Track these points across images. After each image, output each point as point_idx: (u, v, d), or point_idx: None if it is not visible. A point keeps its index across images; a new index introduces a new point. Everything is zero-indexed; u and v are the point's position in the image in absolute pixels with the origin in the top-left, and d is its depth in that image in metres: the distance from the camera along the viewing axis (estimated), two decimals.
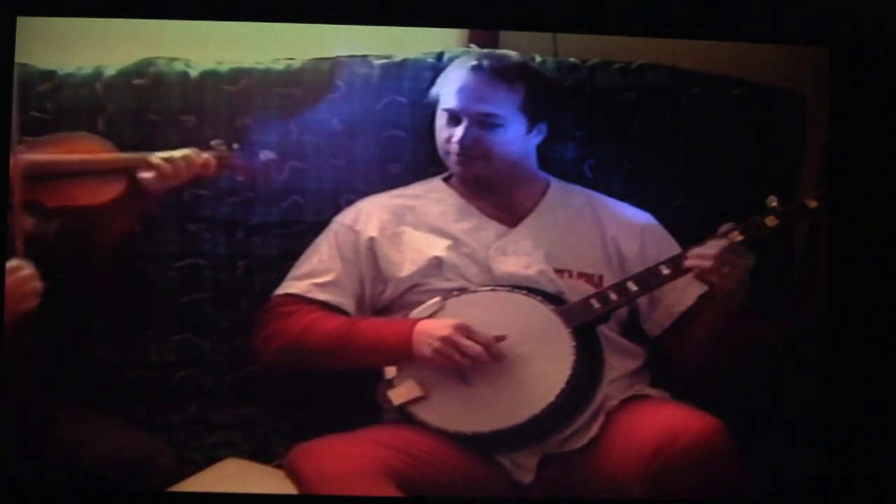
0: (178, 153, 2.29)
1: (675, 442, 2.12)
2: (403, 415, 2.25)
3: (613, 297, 2.29)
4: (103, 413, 2.32)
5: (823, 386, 2.39)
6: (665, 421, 2.18)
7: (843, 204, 2.34)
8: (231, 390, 2.45)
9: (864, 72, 2.35)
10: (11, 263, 2.13)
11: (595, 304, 2.29)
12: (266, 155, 2.40)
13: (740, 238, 2.26)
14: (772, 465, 2.30)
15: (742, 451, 2.16)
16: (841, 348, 2.35)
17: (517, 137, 2.36)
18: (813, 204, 2.31)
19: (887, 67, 2.35)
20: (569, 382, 2.22)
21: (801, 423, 2.42)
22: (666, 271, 2.29)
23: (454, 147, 2.34)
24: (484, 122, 2.33)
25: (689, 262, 2.26)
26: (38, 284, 2.13)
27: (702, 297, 2.33)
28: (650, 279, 2.29)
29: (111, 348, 2.41)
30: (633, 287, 2.29)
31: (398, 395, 2.26)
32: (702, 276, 2.25)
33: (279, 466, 2.31)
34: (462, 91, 2.33)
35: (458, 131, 2.33)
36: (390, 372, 2.28)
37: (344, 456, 2.17)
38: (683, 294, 2.36)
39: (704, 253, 2.24)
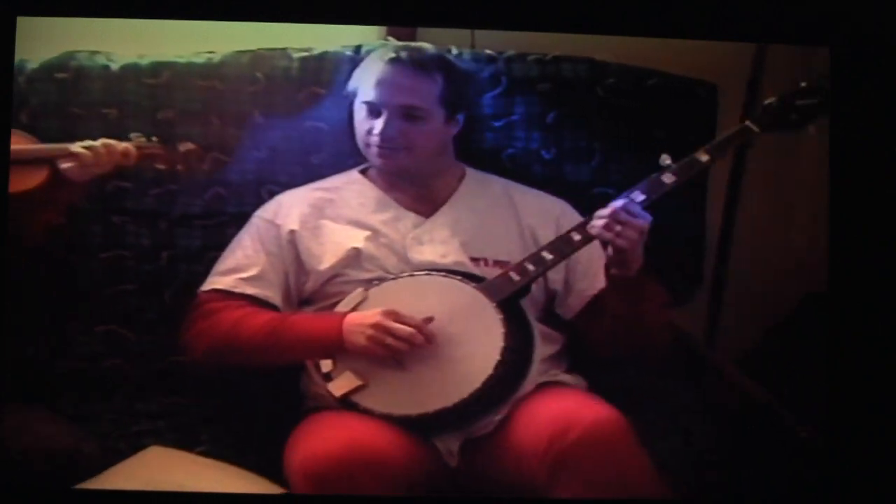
0: (98, 142, 2.31)
1: (568, 434, 2.14)
2: (346, 405, 2.27)
3: (531, 267, 2.31)
4: (28, 405, 2.33)
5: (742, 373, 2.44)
6: (561, 411, 2.20)
7: (843, 204, 2.36)
8: (156, 380, 2.47)
9: (864, 72, 2.36)
10: None
11: (514, 276, 2.31)
12: (185, 146, 2.41)
13: (642, 197, 2.28)
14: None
15: (643, 441, 2.19)
16: (841, 348, 2.36)
17: (437, 128, 2.39)
18: (704, 157, 2.34)
19: (887, 67, 2.36)
20: (503, 354, 2.24)
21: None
22: (577, 237, 2.30)
23: (375, 139, 2.36)
24: (405, 115, 2.35)
25: (588, 225, 2.29)
26: None
27: (611, 281, 2.35)
28: (563, 246, 2.31)
29: (36, 340, 2.43)
30: (548, 255, 2.31)
31: (338, 388, 2.27)
32: (599, 235, 2.26)
33: (203, 454, 2.35)
34: (381, 84, 2.35)
35: (379, 124, 2.35)
36: (326, 366, 2.29)
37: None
38: (595, 279, 2.39)
39: (600, 213, 2.26)
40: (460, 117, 2.42)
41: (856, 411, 2.34)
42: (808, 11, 2.36)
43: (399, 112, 2.34)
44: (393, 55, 2.35)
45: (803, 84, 2.35)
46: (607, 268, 2.30)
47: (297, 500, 2.20)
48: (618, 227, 2.23)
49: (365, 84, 2.37)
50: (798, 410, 2.40)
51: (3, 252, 2.25)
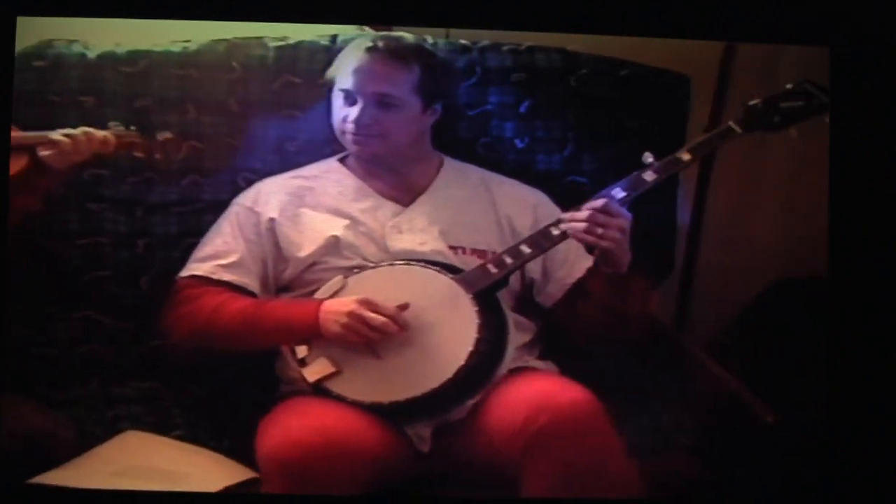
0: (77, 130, 2.32)
1: (541, 415, 2.15)
2: (319, 390, 2.28)
3: (509, 260, 2.32)
4: (5, 390, 2.34)
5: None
6: (534, 394, 2.21)
7: (843, 204, 2.37)
8: (132, 365, 2.49)
9: (864, 71, 2.36)
10: None
11: (492, 268, 2.32)
12: (163, 135, 2.43)
13: (622, 195, 2.29)
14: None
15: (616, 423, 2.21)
16: (842, 349, 2.37)
17: (413, 117, 2.41)
18: (686, 157, 2.36)
19: (887, 67, 2.36)
20: (476, 346, 2.25)
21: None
22: (556, 232, 2.31)
23: (350, 127, 2.38)
24: (380, 102, 2.37)
25: (563, 225, 2.30)
26: None
27: (591, 270, 2.38)
28: (542, 240, 2.32)
29: (14, 325, 2.42)
30: (526, 249, 2.33)
31: (312, 373, 2.29)
32: (578, 237, 2.28)
33: (178, 437, 2.37)
34: (358, 72, 2.37)
35: (354, 111, 2.37)
36: (301, 351, 2.31)
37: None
38: (574, 267, 2.42)
39: (577, 215, 2.27)
40: (438, 107, 2.44)
41: (833, 400, 2.37)
42: (808, 11, 2.37)
43: (374, 100, 2.36)
44: (370, 44, 2.37)
45: (788, 86, 2.37)
46: (598, 266, 2.33)
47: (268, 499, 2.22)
48: (599, 230, 2.25)
49: (342, 72, 2.40)
50: (765, 396, 2.42)
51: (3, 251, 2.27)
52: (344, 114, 2.39)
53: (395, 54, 2.37)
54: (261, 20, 2.48)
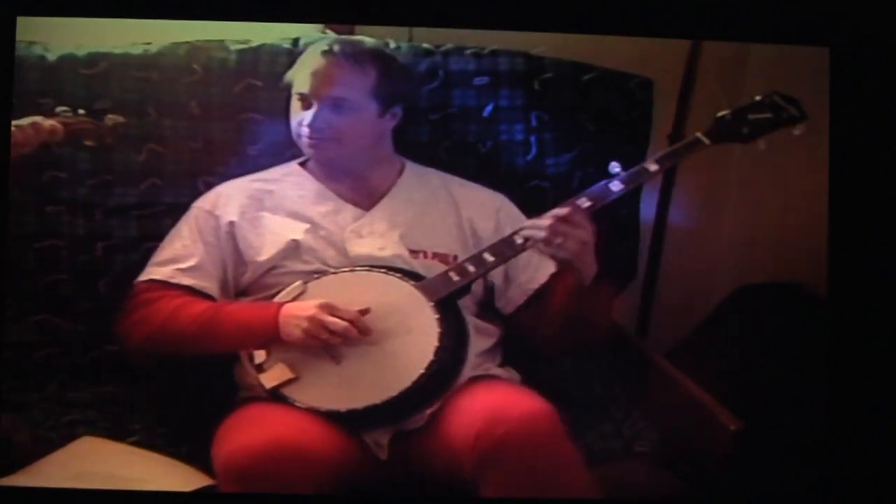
0: (25, 121, 2.29)
1: (496, 428, 2.12)
2: (276, 397, 2.26)
3: (471, 268, 2.31)
4: None
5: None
6: (491, 405, 2.19)
7: (843, 204, 2.36)
8: (89, 369, 2.47)
9: (864, 72, 2.36)
10: None
11: (454, 276, 2.31)
12: (113, 118, 2.40)
13: (588, 204, 2.28)
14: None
15: (575, 432, 2.20)
16: (842, 350, 2.36)
17: (369, 121, 2.40)
18: (653, 168, 2.35)
19: (887, 67, 2.36)
20: (436, 354, 2.24)
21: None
22: (519, 240, 2.30)
23: (305, 130, 2.37)
24: (335, 106, 2.36)
25: (524, 233, 2.28)
26: None
27: (554, 276, 2.37)
28: (505, 249, 2.31)
29: None
30: (489, 257, 2.31)
31: (269, 379, 2.27)
32: (538, 247, 2.26)
33: (135, 443, 2.35)
34: (313, 75, 2.36)
35: (309, 115, 2.36)
36: (260, 356, 2.29)
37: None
38: (537, 272, 2.41)
39: (538, 224, 2.25)
40: (397, 110, 2.43)
41: (798, 405, 2.39)
42: (808, 11, 2.36)
43: (328, 103, 2.35)
44: (326, 48, 2.37)
45: (757, 98, 2.36)
46: (560, 275, 2.32)
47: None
48: (559, 239, 2.23)
49: (299, 76, 2.38)
50: (728, 403, 2.41)
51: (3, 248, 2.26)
52: (300, 118, 2.38)
53: (351, 58, 2.36)
54: (225, 19, 2.46)
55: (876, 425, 2.33)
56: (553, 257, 2.28)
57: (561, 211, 2.25)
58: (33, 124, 2.28)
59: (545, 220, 2.24)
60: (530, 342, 2.43)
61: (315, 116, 2.36)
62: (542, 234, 2.24)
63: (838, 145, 2.34)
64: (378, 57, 2.40)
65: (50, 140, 2.31)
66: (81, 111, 2.36)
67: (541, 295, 2.41)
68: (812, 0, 2.37)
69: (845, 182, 2.35)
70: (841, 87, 2.35)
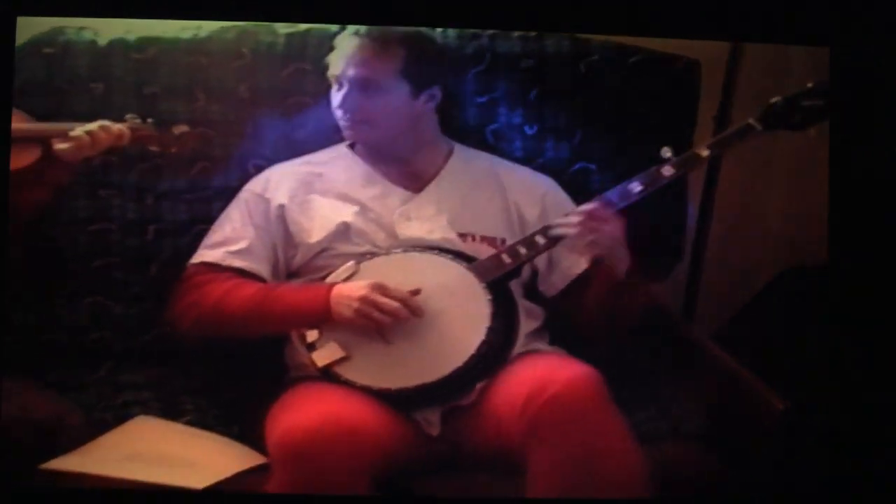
0: (94, 124, 2.32)
1: (542, 393, 2.15)
2: (327, 376, 2.29)
3: (523, 251, 2.34)
4: (14, 375, 2.34)
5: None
6: (537, 373, 2.21)
7: (843, 204, 2.37)
8: (142, 351, 2.50)
9: (864, 72, 2.37)
10: None
11: (506, 258, 2.33)
12: (180, 129, 2.43)
13: (639, 188, 2.31)
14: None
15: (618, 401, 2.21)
16: (842, 353, 2.38)
17: (401, 103, 2.40)
18: (704, 153, 2.37)
19: (887, 67, 2.37)
20: (488, 335, 2.27)
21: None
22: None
23: (338, 112, 2.40)
24: (361, 87, 2.37)
25: (556, 231, 2.31)
26: None
27: (595, 262, 2.38)
28: (556, 233, 2.33)
29: (23, 311, 2.45)
30: (541, 240, 2.34)
31: (321, 358, 2.30)
32: (571, 244, 2.31)
33: (188, 423, 2.38)
34: (343, 58, 2.38)
35: (339, 96, 2.39)
36: (311, 336, 2.31)
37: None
38: (579, 258, 2.41)
39: (568, 221, 2.30)
40: (434, 92, 2.43)
41: (841, 387, 2.38)
42: (809, 11, 2.37)
43: (356, 85, 2.37)
44: (356, 30, 2.39)
45: (809, 85, 2.36)
46: (594, 269, 2.35)
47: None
48: (590, 236, 2.27)
49: (333, 59, 2.41)
50: (773, 384, 2.42)
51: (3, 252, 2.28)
52: (335, 101, 2.41)
53: (378, 39, 2.37)
54: (226, 19, 2.50)
55: None
56: (586, 253, 2.32)
57: (590, 207, 2.29)
58: (102, 128, 2.31)
59: (575, 217, 2.29)
60: (571, 325, 2.45)
61: (344, 98, 2.38)
62: (573, 231, 2.28)
63: (838, 145, 2.35)
64: (407, 38, 2.40)
65: (116, 145, 2.34)
66: (150, 120, 2.38)
67: (581, 281, 2.43)
68: (812, 0, 2.38)
69: (845, 182, 2.36)
70: (841, 87, 2.35)
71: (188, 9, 2.40)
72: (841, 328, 2.37)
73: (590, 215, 2.28)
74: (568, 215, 2.32)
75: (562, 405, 2.15)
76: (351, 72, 2.36)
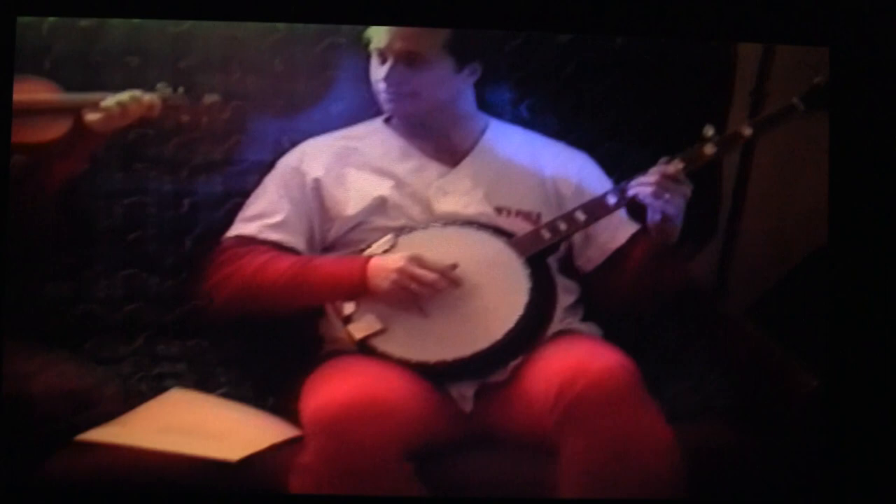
0: (124, 95, 2.34)
1: (575, 384, 2.19)
2: (364, 348, 2.31)
3: (563, 226, 2.36)
4: (51, 346, 2.37)
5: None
6: (570, 361, 2.24)
7: (844, 204, 2.40)
8: (177, 323, 2.49)
9: (864, 72, 2.38)
10: None
11: (545, 234, 2.36)
12: (210, 98, 2.44)
13: (681, 165, 2.33)
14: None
15: (653, 388, 2.25)
16: (841, 358, 2.41)
17: (445, 77, 2.41)
18: (747, 132, 2.38)
19: (887, 67, 2.38)
20: (526, 309, 2.29)
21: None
22: (612, 200, 2.36)
23: (381, 86, 2.40)
24: (408, 61, 2.38)
25: (632, 191, 2.33)
26: None
27: (634, 236, 2.40)
28: (597, 209, 2.37)
29: (60, 284, 2.45)
30: (581, 216, 2.36)
31: (358, 330, 2.32)
32: (650, 203, 2.31)
33: (223, 396, 2.40)
34: (388, 31, 2.38)
35: (384, 70, 2.38)
36: (348, 308, 2.33)
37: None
38: (617, 232, 2.43)
39: (646, 180, 2.31)
40: (475, 67, 2.44)
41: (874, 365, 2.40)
42: (808, 11, 2.38)
43: (402, 58, 2.37)
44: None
45: None
46: (649, 234, 2.35)
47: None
48: (667, 195, 2.28)
49: (376, 33, 2.41)
50: (804, 360, 2.41)
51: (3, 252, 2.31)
52: (376, 74, 2.40)
53: None
54: (227, 19, 2.49)
55: None
56: (659, 210, 2.31)
57: (667, 168, 2.30)
58: (133, 98, 2.32)
59: (652, 177, 2.30)
60: (607, 300, 2.45)
61: (390, 71, 2.38)
62: (649, 189, 2.29)
63: (838, 145, 2.38)
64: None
65: (147, 115, 2.36)
66: (181, 89, 2.39)
67: (618, 255, 2.43)
68: (812, 0, 2.39)
69: (845, 182, 2.39)
70: (841, 87, 2.37)
71: (189, 9, 2.42)
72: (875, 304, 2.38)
73: (668, 175, 2.29)
74: (643, 176, 2.32)
75: (595, 396, 2.19)
76: (397, 45, 2.36)
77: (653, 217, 2.33)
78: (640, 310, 2.46)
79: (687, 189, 2.30)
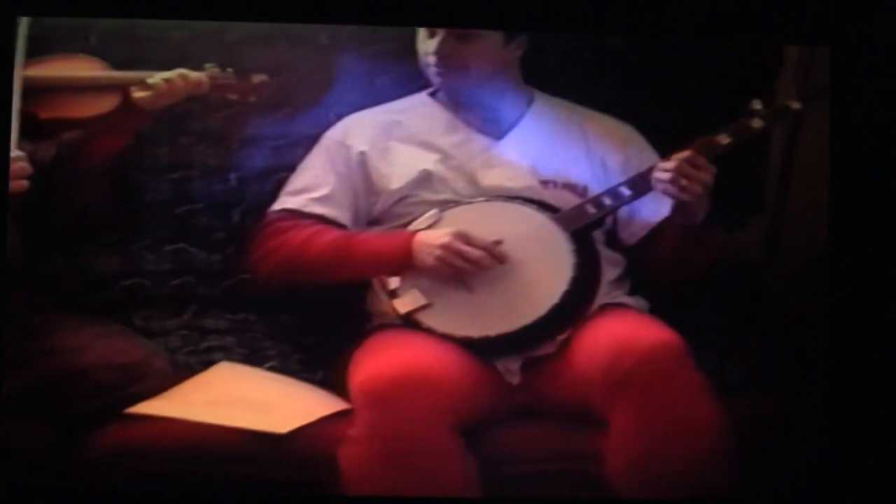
0: (174, 73, 2.35)
1: (623, 360, 2.21)
2: (409, 323, 2.33)
3: (608, 201, 2.37)
4: (100, 319, 2.39)
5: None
6: (618, 336, 2.25)
7: (844, 203, 2.39)
8: (225, 297, 2.51)
9: (864, 72, 2.38)
10: None
11: (590, 208, 2.37)
12: (259, 77, 2.44)
13: (727, 140, 2.33)
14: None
15: (700, 361, 2.25)
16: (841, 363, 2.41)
17: (494, 50, 2.41)
18: (796, 106, 2.38)
19: (887, 67, 2.38)
20: (571, 284, 2.30)
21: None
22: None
23: (432, 59, 2.40)
24: (458, 34, 2.38)
25: (651, 176, 2.34)
26: (25, 165, 2.23)
27: (674, 226, 2.39)
28: (642, 183, 2.37)
29: (108, 258, 2.47)
30: (625, 191, 2.37)
31: (403, 304, 2.33)
32: (664, 189, 2.32)
33: (271, 369, 2.41)
34: None
35: (434, 43, 2.38)
36: (393, 282, 2.35)
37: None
38: (660, 205, 2.42)
39: (664, 166, 2.31)
40: (522, 40, 2.43)
41: None
42: (808, 11, 2.38)
43: (453, 31, 2.37)
44: None
45: None
46: (672, 215, 2.36)
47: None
48: (683, 182, 2.29)
49: None
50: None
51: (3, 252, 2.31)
52: (426, 47, 2.41)
53: None
54: (228, 19, 2.48)
55: None
56: (674, 198, 2.32)
57: (686, 154, 2.30)
58: (181, 76, 2.33)
59: (671, 163, 2.30)
60: (650, 273, 2.46)
61: (440, 44, 2.38)
62: (667, 175, 2.30)
63: (838, 145, 2.38)
64: None
65: (195, 93, 2.36)
66: (230, 69, 2.40)
67: (660, 229, 2.43)
68: (812, 0, 2.37)
69: (846, 181, 2.39)
70: (841, 87, 2.37)
71: (190, 9, 2.41)
72: None
73: (686, 162, 2.29)
74: (662, 162, 2.32)
75: (643, 372, 2.20)
76: None
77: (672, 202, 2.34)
78: (681, 282, 2.44)
79: (707, 175, 2.30)
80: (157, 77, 2.35)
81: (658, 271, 2.43)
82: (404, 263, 2.32)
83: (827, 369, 2.39)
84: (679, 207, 2.34)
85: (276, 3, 2.43)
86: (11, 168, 2.22)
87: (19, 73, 2.29)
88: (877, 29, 2.37)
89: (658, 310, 2.41)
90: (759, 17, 2.40)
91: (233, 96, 2.44)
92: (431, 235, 2.32)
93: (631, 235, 2.46)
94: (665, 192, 2.33)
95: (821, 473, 2.37)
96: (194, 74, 2.38)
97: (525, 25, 2.44)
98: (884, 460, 2.37)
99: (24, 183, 2.24)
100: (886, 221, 2.39)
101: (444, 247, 2.29)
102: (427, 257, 2.30)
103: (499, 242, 2.31)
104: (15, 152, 2.23)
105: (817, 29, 2.39)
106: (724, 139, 2.33)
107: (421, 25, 2.43)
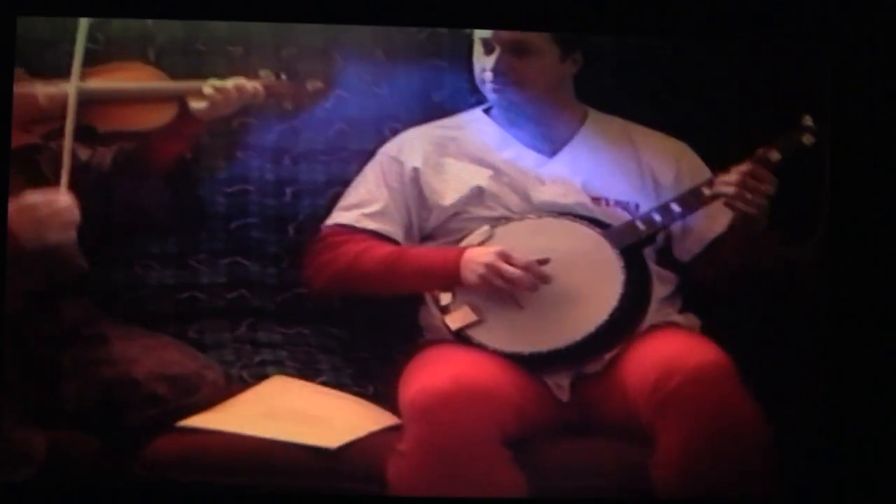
0: (229, 82, 2.37)
1: (671, 379, 2.21)
2: (460, 338, 2.34)
3: (658, 218, 2.38)
4: (154, 331, 2.42)
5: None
6: (667, 356, 2.26)
7: (843, 203, 2.38)
8: (279, 311, 2.53)
9: (864, 72, 2.37)
10: (48, 194, 2.25)
11: (640, 225, 2.37)
12: (313, 84, 2.46)
13: (777, 157, 2.32)
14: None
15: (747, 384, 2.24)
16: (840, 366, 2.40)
17: (551, 65, 2.41)
18: None
19: (888, 67, 2.37)
20: (621, 301, 2.31)
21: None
22: (707, 192, 2.36)
23: (488, 75, 2.40)
24: (516, 49, 2.38)
25: (714, 189, 2.33)
26: (75, 214, 2.26)
27: (731, 225, 2.38)
28: (692, 200, 2.37)
29: (164, 271, 2.49)
30: (676, 208, 2.37)
31: (454, 320, 2.35)
32: (727, 202, 2.32)
33: (323, 383, 2.42)
34: None
35: (491, 60, 2.39)
36: (445, 298, 2.36)
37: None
38: (714, 221, 2.41)
39: (727, 179, 2.31)
40: (578, 56, 2.43)
41: None
42: (808, 11, 2.36)
43: (510, 47, 2.38)
44: None
45: None
46: (731, 229, 2.35)
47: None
48: (748, 195, 2.29)
49: None
50: None
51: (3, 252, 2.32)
52: (482, 63, 2.41)
53: None
54: (229, 19, 2.48)
55: None
56: (739, 211, 2.32)
57: (748, 168, 2.30)
58: (237, 86, 2.35)
59: (734, 176, 2.30)
60: (706, 289, 2.44)
61: (498, 60, 2.38)
62: (731, 189, 2.30)
63: (838, 145, 2.36)
64: None
65: (251, 102, 2.38)
66: (283, 76, 2.41)
67: (717, 244, 2.42)
68: (812, 0, 2.36)
69: (846, 181, 2.37)
70: (841, 87, 2.35)
71: (191, 9, 2.42)
72: None
73: (750, 175, 2.29)
74: (725, 175, 2.33)
75: (691, 392, 2.21)
76: (506, 34, 2.36)
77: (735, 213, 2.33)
78: (737, 293, 2.43)
79: (770, 187, 2.30)
80: (208, 86, 2.36)
81: (718, 285, 2.42)
82: (453, 279, 2.33)
83: (827, 369, 2.38)
84: (741, 220, 2.33)
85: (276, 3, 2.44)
86: (59, 219, 2.25)
87: (75, 82, 2.31)
88: (877, 29, 2.36)
89: (710, 327, 2.40)
90: (760, 17, 2.39)
91: (288, 105, 2.46)
92: (477, 253, 2.33)
93: (685, 252, 2.45)
94: (730, 206, 2.33)
95: (821, 473, 2.36)
96: (250, 84, 2.39)
97: (564, 26, 2.44)
98: (884, 460, 2.36)
99: (72, 232, 2.27)
100: (886, 221, 2.39)
101: (487, 265, 2.31)
102: (471, 275, 2.32)
103: (543, 262, 2.32)
104: (64, 198, 2.26)
105: (817, 29, 2.38)
106: (774, 155, 2.32)
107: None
